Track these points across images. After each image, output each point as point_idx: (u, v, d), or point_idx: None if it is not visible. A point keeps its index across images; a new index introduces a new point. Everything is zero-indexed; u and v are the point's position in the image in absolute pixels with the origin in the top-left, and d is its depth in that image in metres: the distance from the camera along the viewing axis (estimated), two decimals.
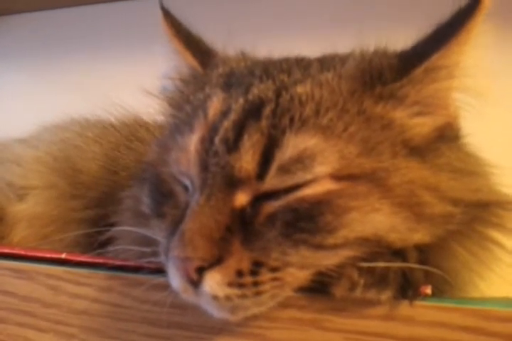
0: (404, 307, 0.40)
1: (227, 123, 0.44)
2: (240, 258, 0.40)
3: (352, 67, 0.47)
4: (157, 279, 0.46)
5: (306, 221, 0.41)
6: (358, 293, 0.41)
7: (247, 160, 0.42)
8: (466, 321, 0.38)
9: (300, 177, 0.42)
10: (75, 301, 0.50)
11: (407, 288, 0.41)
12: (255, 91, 0.46)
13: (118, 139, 0.77)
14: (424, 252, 0.43)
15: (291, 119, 0.43)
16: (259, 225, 0.42)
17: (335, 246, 0.41)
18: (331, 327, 0.42)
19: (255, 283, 0.40)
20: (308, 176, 0.41)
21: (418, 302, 0.40)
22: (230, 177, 0.42)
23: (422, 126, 0.46)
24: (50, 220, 0.73)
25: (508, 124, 0.82)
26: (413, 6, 0.95)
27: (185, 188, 0.47)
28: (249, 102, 0.45)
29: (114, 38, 1.23)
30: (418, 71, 0.45)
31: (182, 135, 0.47)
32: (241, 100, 0.45)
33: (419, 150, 0.44)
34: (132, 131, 0.78)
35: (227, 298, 0.40)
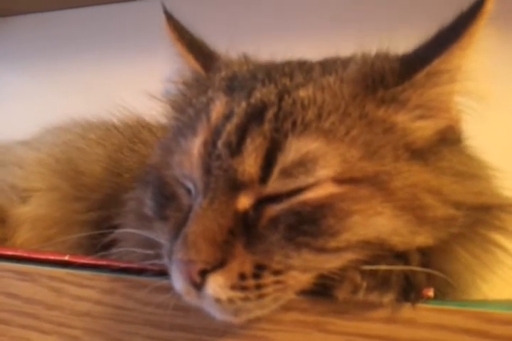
0: (407, 310, 0.40)
1: (229, 127, 0.44)
2: (242, 261, 0.40)
3: (354, 71, 0.47)
4: (160, 281, 0.46)
5: (308, 224, 0.41)
6: (360, 295, 0.41)
7: (249, 164, 0.42)
8: (469, 324, 0.38)
9: (302, 180, 0.42)
10: (78, 303, 0.51)
11: (409, 291, 0.41)
12: (258, 95, 0.46)
13: (121, 141, 0.78)
14: (426, 255, 0.43)
15: (294, 123, 0.43)
16: (262, 228, 0.42)
17: (337, 250, 0.41)
18: (334, 330, 0.42)
19: (258, 286, 0.40)
20: (311, 180, 0.41)
21: (420, 305, 0.40)
22: (233, 181, 0.43)
23: (424, 129, 0.46)
24: (53, 222, 0.73)
25: (509, 127, 0.82)
26: (413, 6, 0.95)
27: (188, 191, 0.47)
28: (252, 106, 0.45)
29: (117, 39, 1.23)
30: (420, 75, 0.45)
31: (185, 138, 0.47)
32: (243, 104, 0.46)
33: (421, 154, 0.45)
34: (135, 132, 0.78)
35: (230, 300, 0.40)
